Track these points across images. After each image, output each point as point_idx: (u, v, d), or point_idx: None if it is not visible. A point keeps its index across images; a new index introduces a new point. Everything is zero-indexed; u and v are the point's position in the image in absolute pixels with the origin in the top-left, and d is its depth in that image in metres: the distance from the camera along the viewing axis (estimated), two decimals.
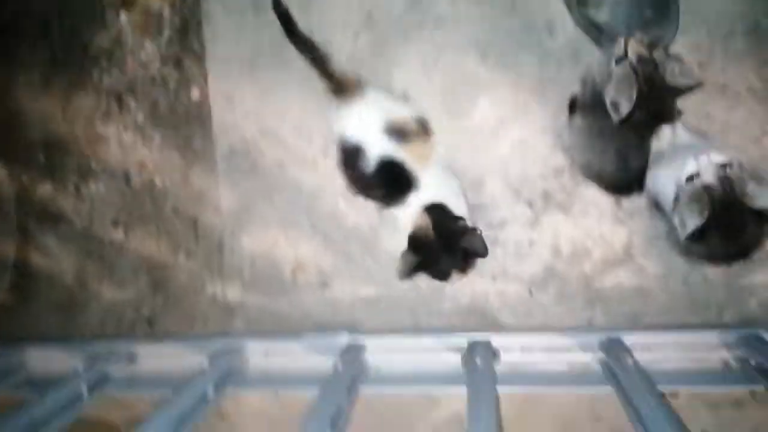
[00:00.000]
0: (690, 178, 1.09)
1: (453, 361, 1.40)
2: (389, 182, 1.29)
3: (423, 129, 1.32)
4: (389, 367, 1.45)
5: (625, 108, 1.12)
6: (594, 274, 1.49)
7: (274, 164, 1.60)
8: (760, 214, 1.08)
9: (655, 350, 1.35)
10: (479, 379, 1.25)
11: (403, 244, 1.20)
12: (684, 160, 1.15)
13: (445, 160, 1.41)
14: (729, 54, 1.38)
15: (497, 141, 1.50)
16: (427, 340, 1.44)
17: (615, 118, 1.14)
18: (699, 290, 1.45)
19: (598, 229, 1.48)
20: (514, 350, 1.42)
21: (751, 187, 1.06)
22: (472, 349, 1.38)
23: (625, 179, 1.32)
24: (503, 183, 1.51)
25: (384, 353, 1.46)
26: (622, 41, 1.15)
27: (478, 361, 1.32)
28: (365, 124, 1.28)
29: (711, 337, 1.32)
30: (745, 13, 1.36)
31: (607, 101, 1.18)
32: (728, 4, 1.37)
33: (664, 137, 1.23)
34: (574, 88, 1.37)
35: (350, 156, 1.28)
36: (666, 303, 1.47)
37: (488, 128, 1.50)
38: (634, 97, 1.11)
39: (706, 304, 1.45)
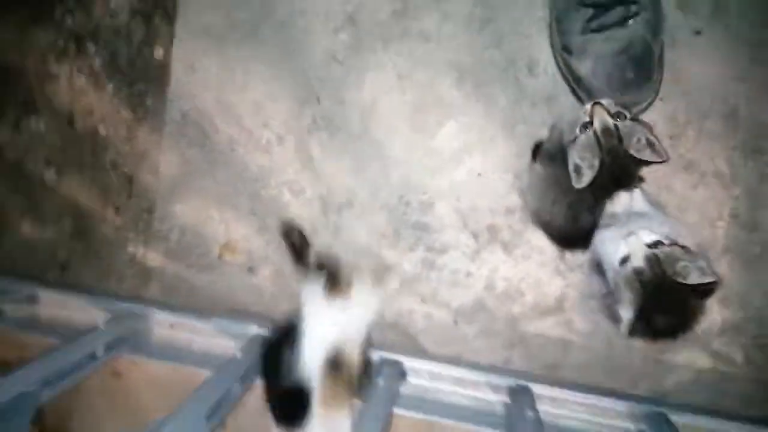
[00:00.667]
0: (623, 261, 1.09)
1: None
2: (287, 408, 1.19)
3: (361, 375, 1.23)
4: None
5: (586, 178, 1.13)
6: (521, 317, 1.50)
7: (224, 141, 1.54)
8: (703, 292, 1.09)
9: (561, 406, 1.36)
10: (379, 395, 1.25)
11: None
12: (632, 229, 1.15)
13: (402, 180, 1.38)
14: (702, 132, 1.38)
15: (456, 167, 1.48)
16: None
17: (575, 184, 1.14)
18: (620, 356, 1.47)
19: (536, 275, 1.48)
20: (423, 375, 1.41)
21: (682, 265, 1.06)
22: (381, 364, 1.37)
23: (572, 235, 1.31)
24: (453, 209, 1.49)
25: None
26: (588, 107, 1.14)
27: (382, 378, 1.31)
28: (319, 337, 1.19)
29: (619, 405, 1.34)
30: (727, 96, 1.36)
31: (570, 164, 1.17)
32: (712, 84, 1.36)
33: (619, 202, 1.22)
34: (543, 133, 1.35)
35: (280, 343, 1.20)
36: (585, 361, 1.48)
37: (450, 152, 1.48)
38: (596, 167, 1.12)
39: (623, 370, 1.47)
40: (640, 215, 1.22)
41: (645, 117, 1.33)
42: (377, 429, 1.11)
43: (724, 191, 1.38)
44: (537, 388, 1.35)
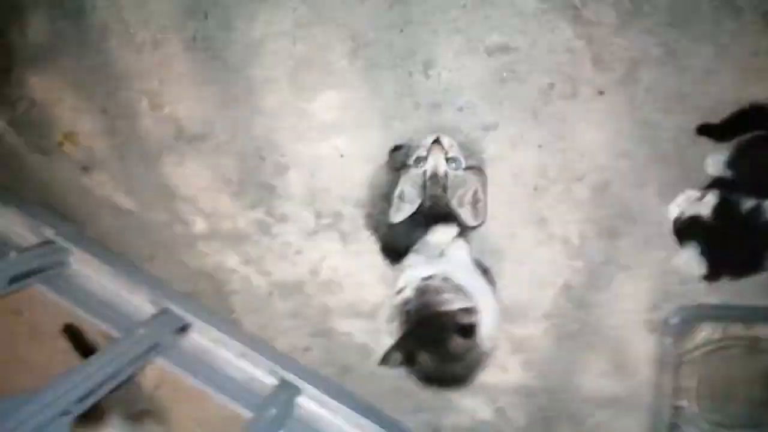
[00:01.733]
0: (399, 291, 1.10)
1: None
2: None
3: None
4: None
5: (401, 214, 1.16)
6: (335, 312, 1.47)
7: (99, 25, 1.47)
8: (464, 329, 1.08)
9: (324, 407, 1.36)
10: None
11: None
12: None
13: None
14: (567, 195, 1.35)
15: (322, 140, 1.41)
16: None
17: (391, 216, 1.17)
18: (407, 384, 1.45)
19: (362, 275, 1.45)
20: (208, 335, 1.39)
21: (445, 296, 1.08)
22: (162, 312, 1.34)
23: (392, 248, 1.28)
24: (305, 183, 1.44)
25: None
26: (429, 142, 1.14)
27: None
28: None
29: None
30: (604, 168, 1.32)
31: (397, 189, 1.14)
32: (594, 150, 1.32)
33: (435, 236, 1.19)
34: (409, 138, 1.29)
35: None
36: (379, 374, 1.47)
37: (321, 123, 1.41)
38: (415, 206, 1.16)
39: (412, 395, 1.47)
40: (453, 261, 1.20)
41: (516, 157, 1.29)
42: None
43: (566, 260, 1.36)
44: (303, 385, 1.34)
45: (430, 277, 1.09)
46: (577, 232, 1.35)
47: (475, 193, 1.15)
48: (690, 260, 1.14)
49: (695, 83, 1.26)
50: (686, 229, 1.15)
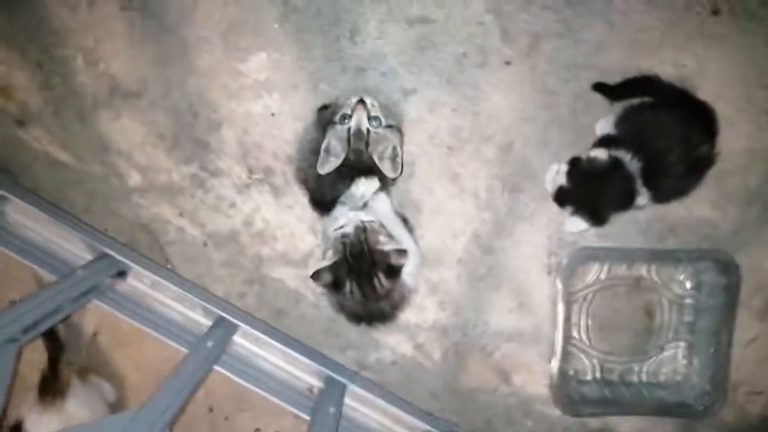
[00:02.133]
0: (338, 228, 1.24)
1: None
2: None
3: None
4: None
5: (328, 167, 1.27)
6: (267, 261, 1.60)
7: None
8: (391, 269, 1.24)
9: (259, 345, 1.49)
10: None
11: None
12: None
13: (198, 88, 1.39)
14: (477, 154, 1.51)
15: (254, 99, 1.52)
16: None
17: (318, 168, 1.27)
18: (342, 324, 1.58)
19: (293, 226, 1.58)
20: (145, 280, 1.48)
21: (382, 239, 1.23)
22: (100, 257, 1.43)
23: (318, 199, 1.41)
24: (237, 139, 1.54)
25: None
26: (353, 101, 1.26)
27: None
28: None
29: (305, 366, 1.49)
30: (509, 130, 1.49)
31: (323, 144, 1.27)
32: (501, 114, 1.49)
33: (359, 189, 1.33)
34: (335, 98, 1.42)
35: None
36: (311, 317, 1.62)
37: (253, 82, 1.51)
38: (340, 160, 1.28)
39: (339, 336, 1.63)
40: (379, 214, 1.35)
41: (433, 120, 1.44)
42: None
43: (476, 211, 1.53)
44: (238, 323, 1.47)
45: (371, 220, 1.23)
46: (485, 187, 1.52)
47: (394, 148, 1.30)
48: (571, 220, 1.34)
49: (589, 55, 1.45)
50: (558, 198, 1.35)
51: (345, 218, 1.26)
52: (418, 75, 1.47)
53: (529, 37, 1.44)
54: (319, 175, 1.32)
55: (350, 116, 1.26)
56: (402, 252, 1.20)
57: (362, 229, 1.21)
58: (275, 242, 1.58)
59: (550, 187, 1.37)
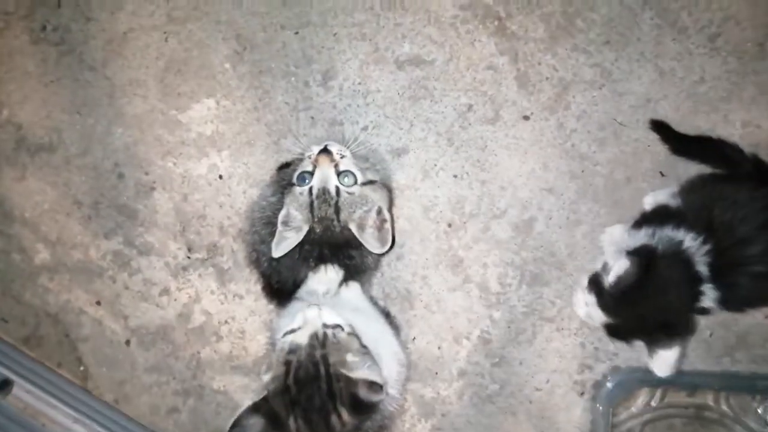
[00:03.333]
0: (288, 332, 0.90)
1: None
2: None
3: None
4: None
5: (284, 245, 0.97)
6: (208, 366, 1.26)
7: None
8: (357, 404, 0.88)
9: None
10: None
11: None
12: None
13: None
14: (486, 234, 1.20)
15: (197, 157, 1.23)
16: None
17: (273, 250, 0.97)
18: None
19: (243, 322, 1.25)
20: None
21: (351, 358, 0.88)
22: None
23: (277, 287, 1.09)
24: (175, 207, 1.24)
25: None
26: (314, 153, 0.97)
27: None
28: None
29: None
30: (493, 202, 1.18)
31: (280, 216, 0.96)
32: (513, 181, 1.18)
33: (321, 279, 1.01)
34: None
35: None
36: None
37: (196, 137, 1.21)
38: (301, 234, 0.97)
39: None
40: (350, 307, 1.02)
41: (429, 188, 1.13)
42: None
43: (484, 309, 1.21)
44: None
45: (337, 326, 0.90)
46: (496, 278, 1.19)
47: (379, 212, 0.98)
48: (657, 358, 0.99)
49: (634, 111, 1.15)
50: (612, 334, 1.02)
51: (299, 319, 0.91)
52: (410, 131, 1.17)
53: (555, 85, 1.15)
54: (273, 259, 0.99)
55: (311, 173, 0.94)
56: (376, 386, 0.85)
57: (319, 343, 0.87)
58: (219, 342, 1.25)
59: (586, 317, 1.04)
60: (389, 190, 1.05)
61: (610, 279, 0.91)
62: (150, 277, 1.25)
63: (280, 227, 0.96)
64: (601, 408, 1.12)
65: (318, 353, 0.87)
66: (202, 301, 1.25)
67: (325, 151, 0.96)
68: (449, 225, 1.19)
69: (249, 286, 1.23)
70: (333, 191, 0.95)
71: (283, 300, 1.09)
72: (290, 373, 0.87)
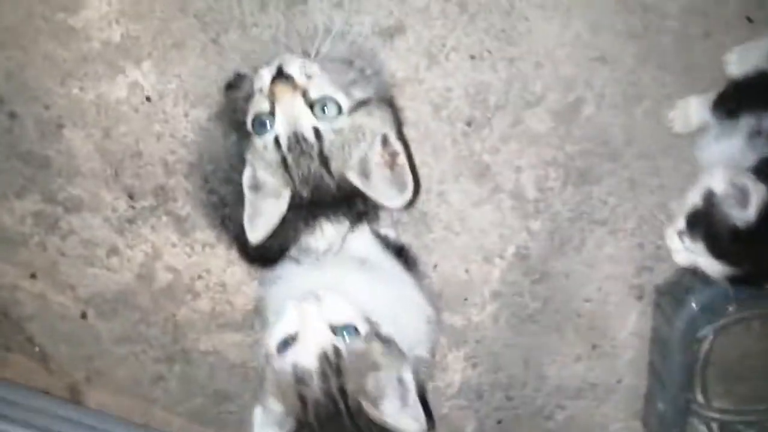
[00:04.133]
0: (283, 344, 0.68)
1: None
2: None
3: None
4: None
5: (261, 228, 0.71)
6: (188, 326, 1.05)
7: None
8: None
9: None
10: None
11: None
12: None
13: None
14: (519, 126, 0.93)
15: (109, 74, 0.89)
16: None
17: (248, 232, 0.71)
18: None
19: (221, 273, 1.03)
20: None
21: (374, 381, 0.67)
22: None
23: (258, 252, 0.83)
24: (96, 147, 0.94)
25: None
26: (266, 77, 0.66)
27: None
28: None
29: None
30: (573, 84, 0.88)
31: (244, 179, 0.66)
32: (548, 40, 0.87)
33: (322, 236, 0.75)
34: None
35: None
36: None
37: (99, 46, 0.86)
38: (284, 203, 0.70)
39: None
40: (355, 262, 0.78)
41: (437, 77, 0.84)
42: None
43: (519, 220, 0.97)
44: None
45: (343, 330, 0.67)
46: (533, 181, 0.95)
47: (385, 144, 0.69)
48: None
49: None
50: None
51: (293, 317, 0.68)
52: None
53: None
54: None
55: (271, 113, 0.66)
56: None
57: (332, 368, 0.65)
58: (196, 299, 1.02)
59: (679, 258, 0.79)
60: (391, 105, 0.75)
61: (744, 213, 0.65)
62: (89, 237, 0.98)
63: (248, 194, 0.68)
64: (679, 333, 0.94)
65: (333, 384, 0.64)
66: (163, 257, 1.00)
67: (281, 75, 0.64)
68: (468, 124, 0.91)
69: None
70: (310, 135, 0.65)
71: (270, 263, 0.84)
72: (308, 409, 0.65)
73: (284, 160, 0.66)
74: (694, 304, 0.91)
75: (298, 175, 0.67)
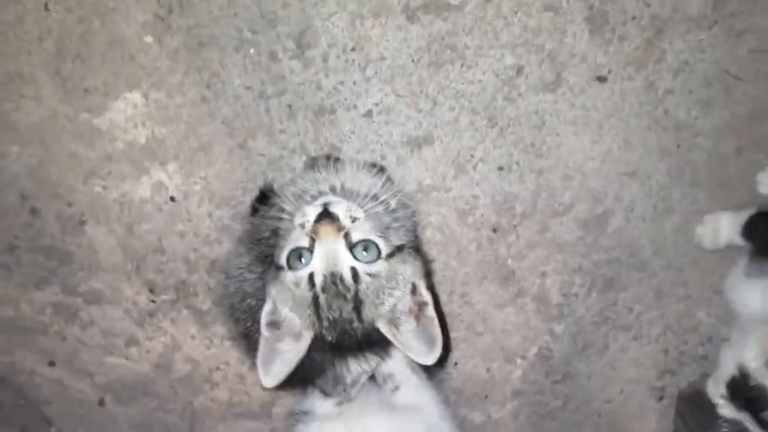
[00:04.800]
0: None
1: None
2: None
3: None
4: None
5: (277, 372, 0.65)
6: (205, 414, 1.03)
7: None
8: None
9: None
10: None
11: None
12: None
13: None
14: (547, 233, 0.90)
15: (134, 174, 0.88)
16: None
17: (261, 376, 0.66)
18: None
19: (236, 367, 0.99)
20: None
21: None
22: None
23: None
24: (118, 242, 0.92)
25: None
26: (310, 217, 0.62)
27: None
28: None
29: None
30: (604, 192, 0.86)
31: (263, 315, 0.66)
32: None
33: (350, 372, 0.73)
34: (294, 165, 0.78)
35: None
36: None
37: (123, 146, 0.85)
38: (304, 346, 0.66)
39: None
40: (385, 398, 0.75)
41: (464, 186, 0.81)
42: None
43: (543, 323, 0.95)
44: None
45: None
46: (557, 287, 0.92)
47: (414, 293, 0.66)
48: None
49: (754, 58, 0.80)
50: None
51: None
52: (433, 111, 0.83)
53: (644, 28, 0.78)
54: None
55: (310, 249, 0.62)
56: None
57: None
58: (214, 389, 1.00)
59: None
60: (420, 252, 0.72)
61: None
62: (108, 327, 0.97)
63: (264, 332, 0.65)
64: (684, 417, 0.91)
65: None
66: (182, 349, 0.98)
67: (328, 215, 0.62)
68: (494, 230, 0.89)
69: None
70: (348, 276, 0.63)
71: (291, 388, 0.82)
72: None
73: (316, 299, 0.64)
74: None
75: (328, 317, 0.64)
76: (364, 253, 0.63)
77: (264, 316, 0.66)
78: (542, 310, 0.94)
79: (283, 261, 0.64)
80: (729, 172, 0.85)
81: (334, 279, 0.63)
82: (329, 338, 0.65)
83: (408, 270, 0.66)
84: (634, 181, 0.86)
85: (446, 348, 0.70)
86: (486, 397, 1.01)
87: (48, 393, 1.03)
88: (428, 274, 0.68)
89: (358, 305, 0.63)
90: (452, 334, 0.96)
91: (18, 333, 0.98)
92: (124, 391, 1.01)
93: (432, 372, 0.82)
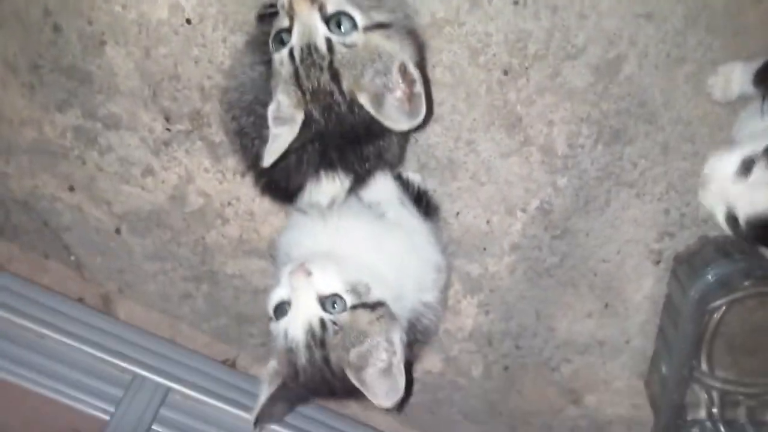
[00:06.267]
0: (277, 309, 0.71)
1: None
2: None
3: None
4: None
5: (275, 149, 0.67)
6: (215, 249, 1.06)
7: None
8: None
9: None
10: None
11: None
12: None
13: None
14: (558, 82, 0.87)
15: None
16: None
17: (264, 156, 0.68)
18: None
19: (248, 204, 1.00)
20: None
21: (357, 352, 0.69)
22: None
23: (278, 188, 0.81)
24: (136, 66, 0.91)
25: None
26: None
27: None
28: None
29: None
30: (614, 39, 0.83)
31: (270, 109, 0.68)
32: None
33: (326, 188, 0.73)
34: None
35: None
36: None
37: None
38: (296, 127, 0.66)
39: None
40: (364, 209, 0.76)
41: (476, 20, 0.79)
42: None
43: (546, 175, 0.94)
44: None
45: (333, 299, 0.68)
46: (565, 136, 0.90)
47: (403, 71, 0.66)
48: None
49: None
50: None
51: (285, 283, 0.71)
52: None
53: None
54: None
55: (289, 29, 0.64)
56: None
57: (316, 341, 0.68)
58: (225, 225, 1.01)
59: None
60: (414, 34, 0.71)
61: None
62: (126, 155, 0.97)
63: (271, 125, 0.66)
64: (692, 303, 0.90)
65: (318, 356, 0.68)
66: (195, 181, 0.99)
67: None
68: (505, 72, 0.86)
69: None
70: (322, 46, 0.62)
71: (283, 200, 0.83)
72: (298, 373, 0.68)
73: (296, 73, 0.64)
74: (710, 276, 0.87)
75: (309, 88, 0.64)
76: (339, 25, 0.63)
77: (270, 112, 0.67)
78: (546, 162, 0.93)
79: (271, 46, 0.65)
80: (746, 20, 0.81)
81: (309, 50, 0.63)
82: (316, 114, 0.65)
83: (394, 47, 0.65)
84: (649, 24, 0.82)
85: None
86: (484, 249, 1.01)
87: (68, 219, 1.05)
88: (421, 52, 0.67)
89: (335, 75, 0.63)
90: (456, 184, 0.96)
91: (40, 155, 0.99)
92: (139, 222, 1.03)
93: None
